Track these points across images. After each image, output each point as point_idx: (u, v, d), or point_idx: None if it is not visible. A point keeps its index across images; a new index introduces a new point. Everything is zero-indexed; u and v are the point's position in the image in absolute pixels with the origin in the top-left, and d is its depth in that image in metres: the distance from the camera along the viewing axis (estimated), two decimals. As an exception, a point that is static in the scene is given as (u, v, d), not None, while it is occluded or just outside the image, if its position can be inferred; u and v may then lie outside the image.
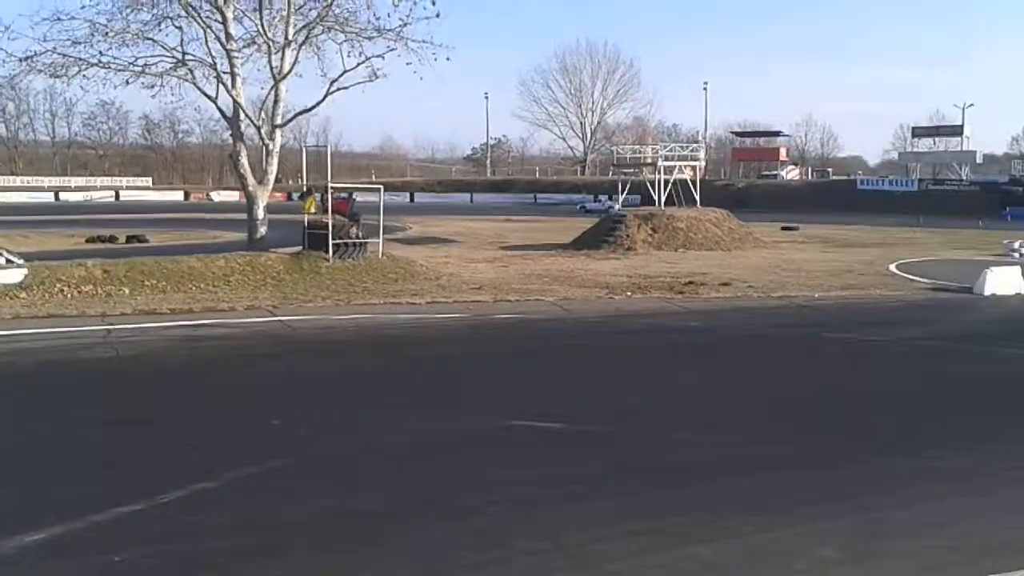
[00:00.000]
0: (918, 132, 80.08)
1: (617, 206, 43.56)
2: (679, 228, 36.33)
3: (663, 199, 38.64)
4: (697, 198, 40.23)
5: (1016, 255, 32.72)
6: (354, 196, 27.18)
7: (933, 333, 17.27)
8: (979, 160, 75.65)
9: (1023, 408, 11.59)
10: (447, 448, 9.33)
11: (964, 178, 71.33)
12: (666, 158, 40.75)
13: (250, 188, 25.35)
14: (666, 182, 38.90)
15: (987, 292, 22.32)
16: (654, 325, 18.04)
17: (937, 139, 78.55)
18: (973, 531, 7.09)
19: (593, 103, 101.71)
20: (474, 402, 11.37)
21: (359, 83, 24.94)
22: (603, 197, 65.86)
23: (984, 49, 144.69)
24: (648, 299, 21.29)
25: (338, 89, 25.09)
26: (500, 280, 24.46)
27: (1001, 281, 22.76)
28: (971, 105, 77.36)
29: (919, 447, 9.50)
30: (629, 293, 22.10)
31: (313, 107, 26.85)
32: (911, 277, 26.46)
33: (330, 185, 24.82)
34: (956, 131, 75.81)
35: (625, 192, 42.97)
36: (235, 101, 24.80)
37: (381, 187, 28.31)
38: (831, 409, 11.43)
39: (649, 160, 42.57)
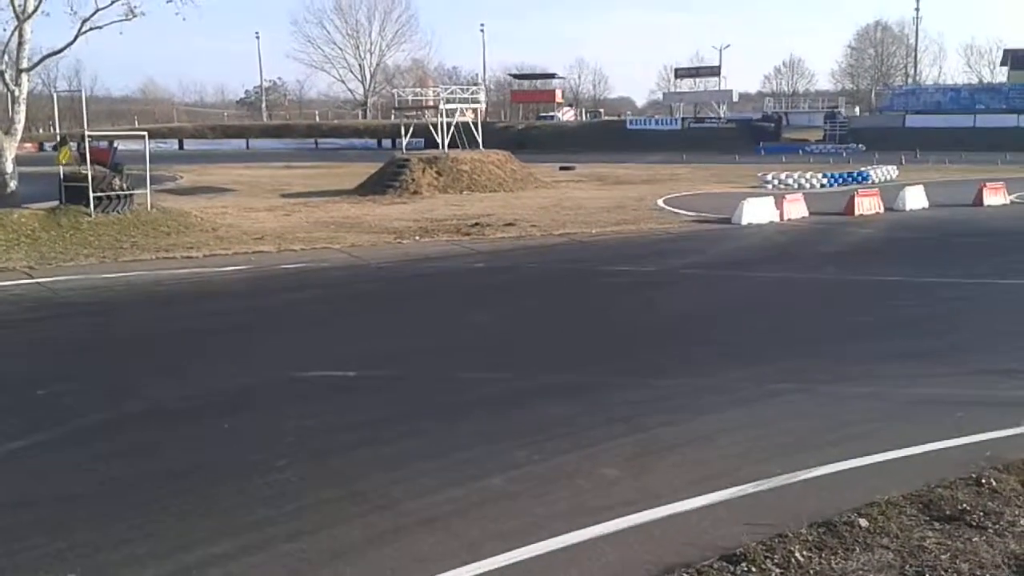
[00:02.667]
0: (680, 73, 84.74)
1: None
2: (463, 171, 36.62)
3: (447, 142, 38.70)
4: (479, 140, 40.63)
5: (769, 186, 35.72)
6: (115, 144, 25.22)
7: (698, 262, 18.57)
8: (735, 99, 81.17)
9: (779, 326, 12.77)
10: (236, 405, 9.03)
11: (722, 116, 76.38)
12: (448, 101, 40.67)
13: (-5, 139, 22.94)
14: (448, 125, 38.92)
15: (744, 221, 24.24)
16: (443, 268, 18.20)
17: (698, 79, 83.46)
18: (737, 442, 7.77)
19: (371, 44, 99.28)
20: (263, 356, 11.04)
21: (115, 22, 23.19)
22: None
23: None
24: (436, 242, 21.42)
25: (91, 29, 23.21)
26: (284, 229, 23.71)
27: (756, 211, 24.81)
28: (728, 47, 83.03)
29: (690, 368, 10.28)
30: (417, 237, 22.11)
31: (63, 49, 24.74)
32: (677, 211, 28.22)
33: (87, 133, 22.87)
34: (715, 72, 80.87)
35: (409, 136, 42.53)
36: (-28, 44, 22.26)
37: (145, 134, 26.38)
38: (610, 339, 12.09)
39: (431, 103, 42.30)
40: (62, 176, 22.20)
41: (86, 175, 21.41)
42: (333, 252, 19.76)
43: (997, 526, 5.83)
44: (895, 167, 41.88)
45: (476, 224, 24.19)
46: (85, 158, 21.88)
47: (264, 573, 5.59)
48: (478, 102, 43.75)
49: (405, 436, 7.98)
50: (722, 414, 8.53)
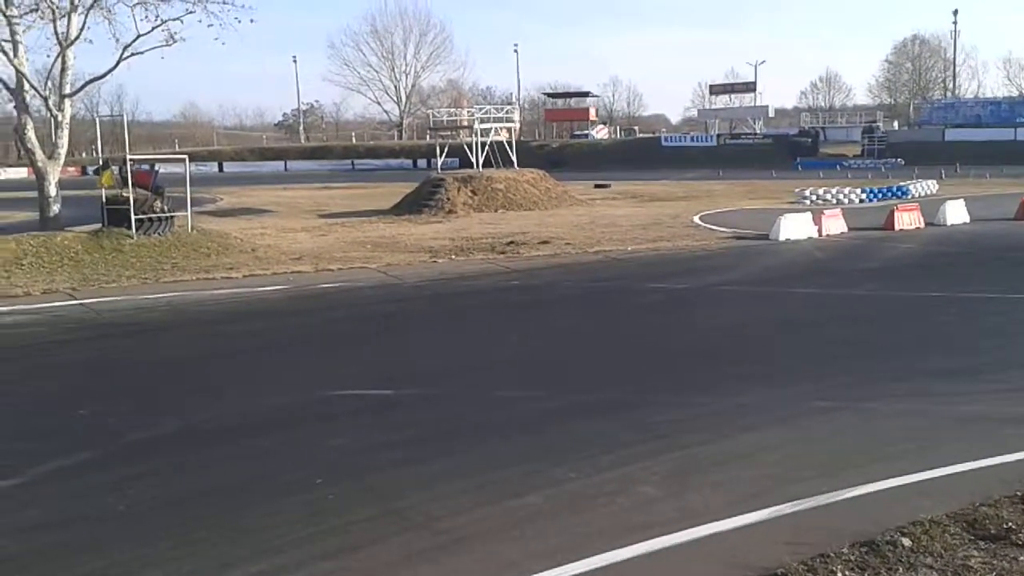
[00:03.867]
0: (715, 90, 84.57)
1: None
2: (498, 189, 36.78)
3: (481, 161, 38.92)
4: (514, 159, 40.79)
5: (807, 202, 35.40)
6: (157, 167, 25.72)
7: (736, 278, 18.42)
8: (771, 114, 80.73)
9: (818, 343, 12.62)
10: (274, 424, 9.11)
11: (758, 132, 75.95)
12: (482, 120, 40.94)
13: (39, 164, 23.49)
14: (483, 144, 39.12)
15: (782, 237, 24.02)
16: (478, 286, 18.26)
17: (733, 95, 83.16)
18: (777, 460, 7.68)
19: (407, 66, 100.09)
20: (300, 375, 11.14)
21: (155, 48, 23.69)
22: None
23: (770, 7, 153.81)
24: (471, 261, 21.50)
25: (132, 55, 23.68)
26: (321, 249, 23.96)
27: (794, 227, 24.56)
28: (763, 62, 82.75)
29: (728, 386, 10.17)
30: (452, 256, 22.22)
31: (105, 74, 25.28)
32: (714, 227, 28.05)
33: (128, 157, 23.33)
34: (750, 87, 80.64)
35: (444, 155, 42.84)
36: (18, 71, 22.81)
37: (186, 157, 26.88)
38: (647, 357, 12.04)
39: (465, 123, 42.59)
40: (104, 199, 22.65)
41: (128, 198, 21.83)
42: (369, 271, 19.91)
43: (1045, 546, 5.70)
44: (935, 181, 41.28)
45: (511, 243, 24.25)
46: (127, 181, 22.31)
47: (303, 591, 5.62)
48: (512, 121, 44.01)
49: (442, 454, 7.99)
50: (762, 432, 8.44)
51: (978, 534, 5.91)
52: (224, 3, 23.24)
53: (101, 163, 25.12)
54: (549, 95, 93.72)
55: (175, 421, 9.22)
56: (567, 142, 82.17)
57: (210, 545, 6.22)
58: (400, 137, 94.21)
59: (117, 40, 23.87)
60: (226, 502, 6.98)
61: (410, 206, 36.19)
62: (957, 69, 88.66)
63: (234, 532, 6.41)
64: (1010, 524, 5.98)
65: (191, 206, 24.24)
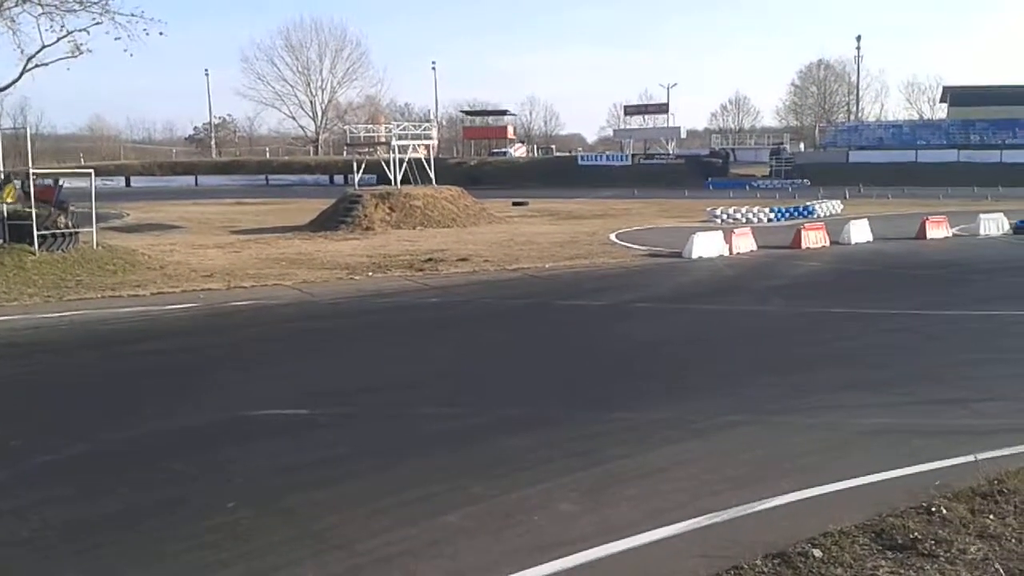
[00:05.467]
0: (630, 110, 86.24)
1: None
2: (416, 206, 36.66)
3: (399, 178, 38.76)
4: (432, 176, 40.75)
5: (718, 220, 36.29)
6: (61, 182, 24.82)
7: (651, 296, 18.74)
8: (684, 135, 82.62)
9: (731, 359, 12.90)
10: (186, 446, 8.83)
11: (671, 152, 77.67)
12: (400, 137, 40.82)
13: (-64, 178, 22.44)
14: (401, 161, 39.01)
15: (695, 255, 24.56)
16: (396, 304, 18.12)
17: (647, 116, 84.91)
18: (692, 474, 7.80)
19: (323, 82, 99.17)
20: (214, 395, 10.84)
21: (61, 59, 22.99)
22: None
23: (682, 30, 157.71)
24: (389, 278, 21.34)
25: (37, 66, 22.94)
26: (234, 266, 23.42)
27: (706, 245, 25.16)
28: (675, 85, 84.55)
29: (644, 401, 10.32)
30: (370, 273, 22.02)
31: (8, 86, 24.50)
32: (629, 245, 28.51)
33: (31, 171, 22.44)
34: (663, 109, 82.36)
35: (361, 172, 42.49)
36: (-84, 82, 21.86)
37: (91, 171, 25.99)
38: (565, 373, 12.11)
39: (383, 139, 42.40)
40: (5, 214, 21.75)
41: (30, 213, 21.01)
42: (284, 289, 19.56)
43: (948, 554, 5.91)
44: (839, 201, 42.85)
45: (429, 259, 24.17)
46: (29, 196, 21.48)
47: (215, 618, 5.45)
48: (430, 138, 44.02)
49: (360, 474, 7.88)
50: (677, 446, 8.57)
51: (886, 544, 6.09)
52: (132, 14, 22.73)
53: (2, 177, 24.10)
54: (467, 113, 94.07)
55: (82, 444, 8.86)
56: (485, 160, 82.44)
57: (119, 572, 6.00)
58: (316, 153, 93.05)
59: (21, 51, 23.11)
60: (136, 527, 6.73)
61: (326, 222, 35.76)
62: (861, 93, 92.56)
63: (144, 558, 6.19)
64: (916, 534, 6.18)
65: (96, 222, 23.45)
